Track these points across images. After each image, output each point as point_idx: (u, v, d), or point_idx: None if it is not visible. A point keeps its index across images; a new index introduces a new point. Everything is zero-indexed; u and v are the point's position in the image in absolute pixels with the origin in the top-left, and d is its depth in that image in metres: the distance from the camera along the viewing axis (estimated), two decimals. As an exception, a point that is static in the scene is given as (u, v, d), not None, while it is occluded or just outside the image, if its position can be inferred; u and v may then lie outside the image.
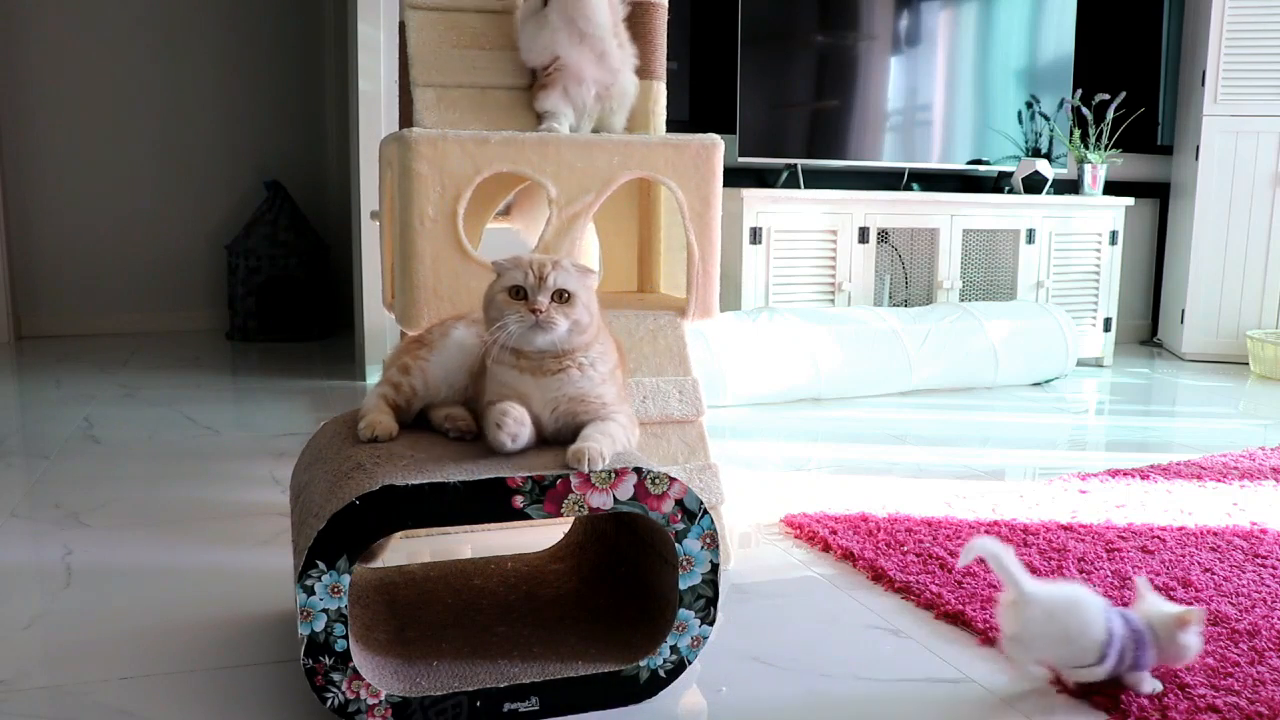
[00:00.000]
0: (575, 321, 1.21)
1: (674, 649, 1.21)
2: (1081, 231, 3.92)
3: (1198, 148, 4.06)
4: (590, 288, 1.25)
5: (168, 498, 2.04)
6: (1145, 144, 4.47)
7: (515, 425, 1.18)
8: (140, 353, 3.85)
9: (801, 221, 3.51)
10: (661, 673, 1.22)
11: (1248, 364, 3.99)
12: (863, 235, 3.59)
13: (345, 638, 1.09)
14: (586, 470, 1.13)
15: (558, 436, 1.24)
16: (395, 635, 1.30)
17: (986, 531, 1.85)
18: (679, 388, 1.68)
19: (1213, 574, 1.65)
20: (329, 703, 1.10)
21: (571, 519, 1.58)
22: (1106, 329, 3.99)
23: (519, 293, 1.21)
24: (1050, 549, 1.76)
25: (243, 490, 2.10)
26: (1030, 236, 3.83)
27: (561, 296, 1.20)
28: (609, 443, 1.18)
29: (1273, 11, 3.91)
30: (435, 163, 1.51)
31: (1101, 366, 3.98)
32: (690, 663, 1.23)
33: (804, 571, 1.70)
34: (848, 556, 1.74)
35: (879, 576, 1.65)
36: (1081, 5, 4.09)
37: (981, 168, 4.00)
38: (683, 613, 1.20)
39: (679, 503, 1.17)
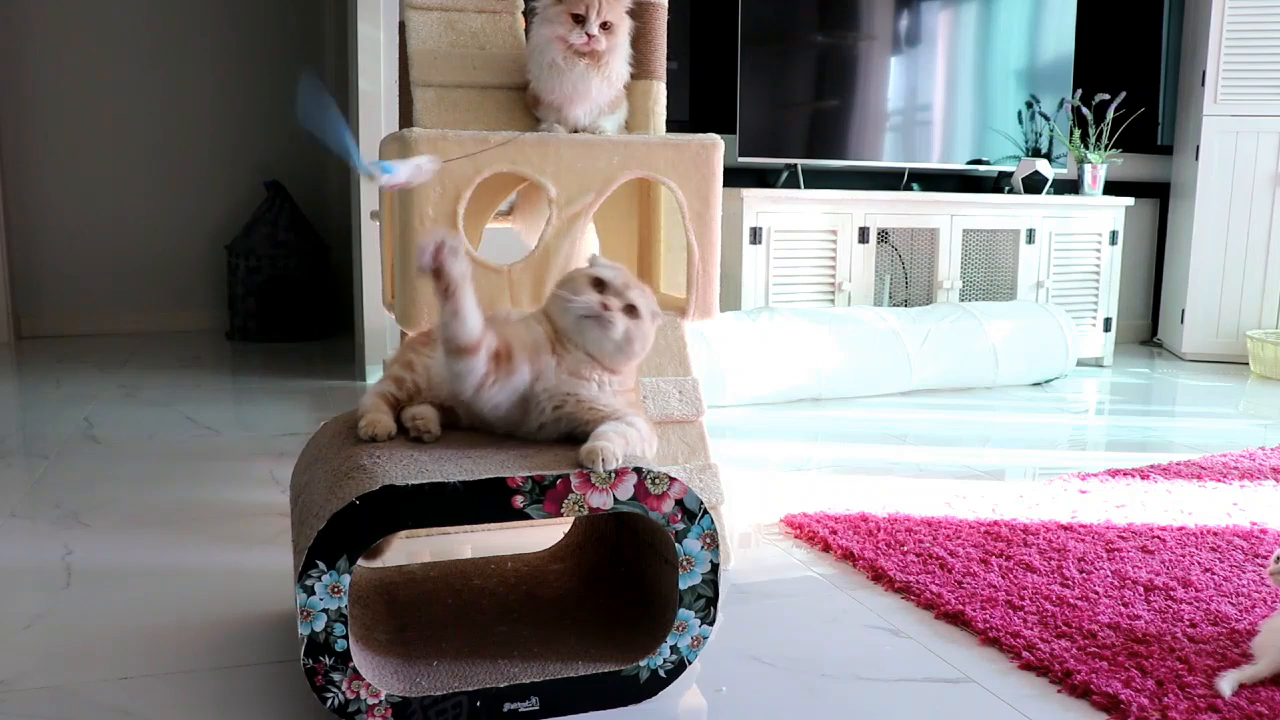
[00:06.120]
0: (628, 340, 1.24)
1: (674, 649, 1.21)
2: (1081, 231, 3.92)
3: (1198, 148, 4.06)
4: (655, 328, 1.29)
5: (168, 498, 2.04)
6: (1145, 144, 4.47)
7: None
8: (140, 353, 3.85)
9: (801, 221, 3.51)
10: (661, 673, 1.22)
11: (1248, 364, 3.99)
12: (863, 235, 3.59)
13: (345, 638, 1.09)
14: (601, 470, 1.14)
15: (544, 428, 1.25)
16: (395, 635, 1.30)
17: (986, 532, 1.85)
18: (679, 388, 1.68)
19: (1213, 574, 1.65)
20: (329, 703, 1.10)
21: (572, 519, 1.58)
22: (1106, 329, 3.99)
23: (601, 285, 1.26)
24: (1050, 549, 1.76)
25: (243, 490, 2.10)
26: (1030, 236, 3.83)
27: (631, 311, 1.25)
28: (622, 444, 1.18)
29: (1273, 11, 3.91)
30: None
31: (1101, 366, 3.98)
32: (690, 663, 1.23)
33: (804, 571, 1.70)
34: (848, 556, 1.74)
35: (879, 576, 1.65)
36: (1081, 5, 4.09)
37: (981, 168, 4.00)
38: (683, 613, 1.20)
39: (679, 503, 1.17)
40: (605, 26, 1.67)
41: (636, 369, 1.34)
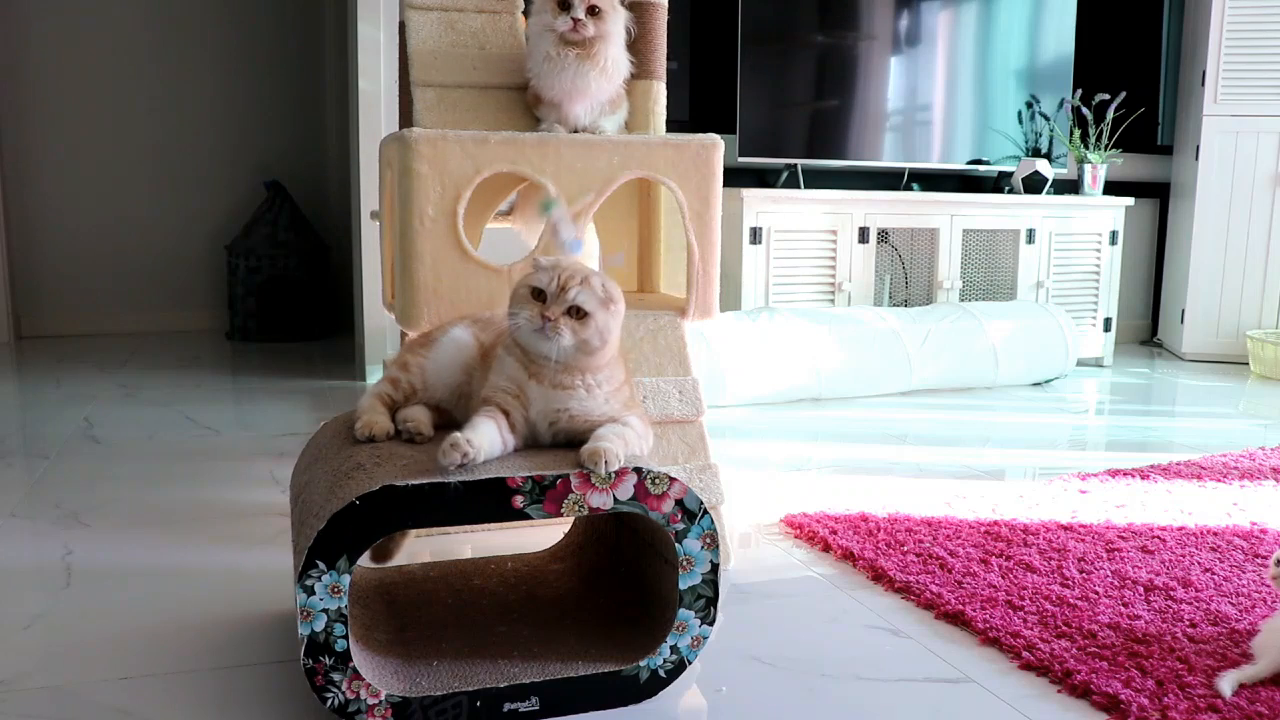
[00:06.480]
0: (583, 340, 1.20)
1: (674, 649, 1.21)
2: (1081, 231, 3.92)
3: (1198, 148, 4.06)
4: (613, 314, 1.23)
5: (168, 498, 2.04)
6: (1145, 144, 4.47)
7: (464, 453, 1.13)
8: (140, 353, 3.85)
9: (801, 221, 3.51)
10: (661, 673, 1.22)
11: (1248, 364, 3.99)
12: (863, 235, 3.59)
13: (345, 638, 1.09)
14: (603, 471, 1.13)
15: (555, 444, 1.25)
16: (395, 635, 1.30)
17: (986, 532, 1.85)
18: (679, 388, 1.68)
19: (1213, 574, 1.65)
20: (329, 703, 1.10)
21: (572, 519, 1.58)
22: (1106, 329, 3.99)
23: (540, 294, 1.21)
24: (1050, 549, 1.76)
25: (243, 490, 2.10)
26: (1030, 236, 3.83)
27: (576, 313, 1.19)
28: (622, 445, 1.18)
29: (1273, 11, 3.91)
30: (435, 163, 1.51)
31: (1101, 366, 3.98)
32: (690, 663, 1.23)
33: (804, 571, 1.70)
34: (848, 556, 1.74)
35: (879, 576, 1.65)
36: (1081, 5, 4.09)
37: (981, 168, 4.00)
38: (683, 613, 1.20)
39: (679, 503, 1.17)
40: (594, 12, 1.67)
41: (625, 362, 1.33)
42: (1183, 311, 4.17)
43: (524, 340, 1.22)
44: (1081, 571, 1.66)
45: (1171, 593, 1.57)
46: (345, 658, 1.09)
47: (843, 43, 3.75)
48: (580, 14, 1.66)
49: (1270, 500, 2.10)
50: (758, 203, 3.43)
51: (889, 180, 4.00)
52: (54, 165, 4.24)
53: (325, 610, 1.08)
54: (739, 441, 2.65)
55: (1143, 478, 2.26)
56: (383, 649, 1.25)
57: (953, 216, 3.72)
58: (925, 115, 3.91)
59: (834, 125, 3.78)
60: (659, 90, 1.89)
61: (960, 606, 1.50)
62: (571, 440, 1.23)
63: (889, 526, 1.87)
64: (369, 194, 3.26)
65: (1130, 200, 4.01)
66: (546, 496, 1.13)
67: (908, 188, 3.98)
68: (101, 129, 4.29)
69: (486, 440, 1.15)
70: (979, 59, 3.95)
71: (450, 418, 1.32)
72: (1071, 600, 1.53)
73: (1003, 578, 1.62)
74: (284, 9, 4.52)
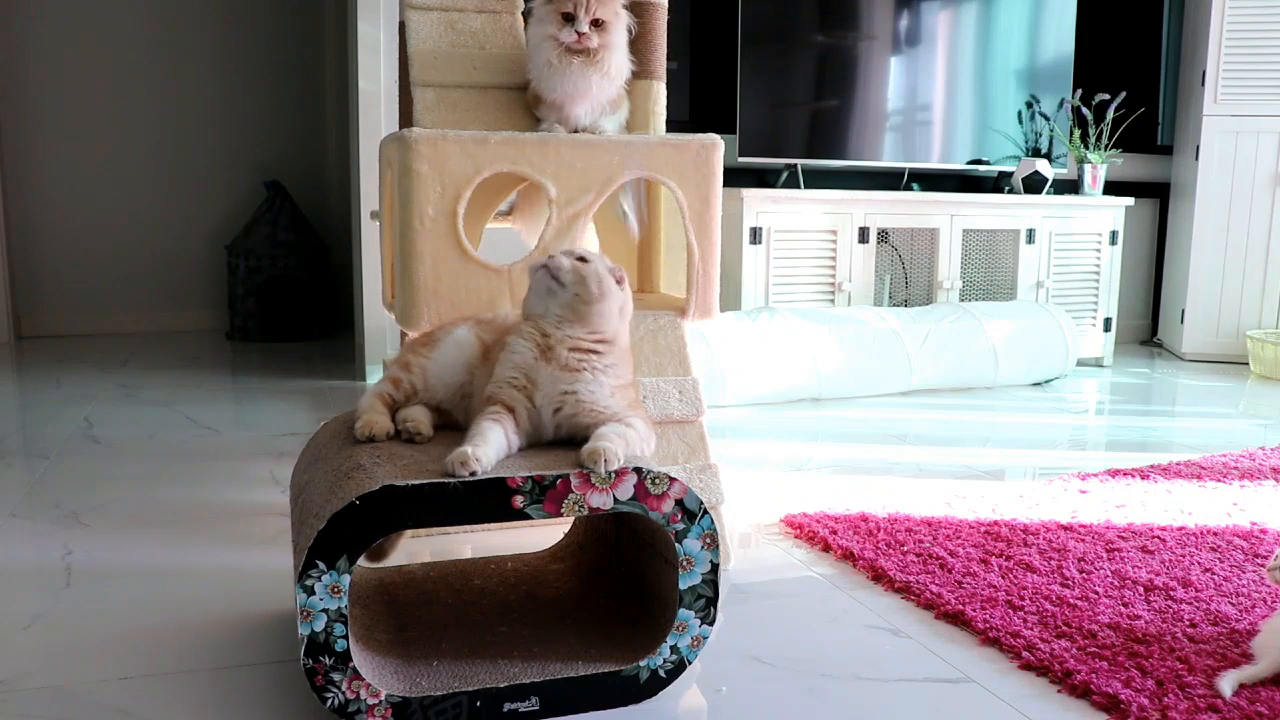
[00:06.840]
0: (582, 277, 1.26)
1: (674, 649, 1.21)
2: (1081, 231, 3.92)
3: (1198, 148, 4.06)
4: (609, 277, 1.29)
5: (168, 498, 2.04)
6: (1145, 144, 4.47)
7: (471, 470, 1.13)
8: (140, 353, 3.85)
9: (801, 221, 3.51)
10: (661, 673, 1.22)
11: (1248, 364, 3.99)
12: (863, 235, 3.59)
13: (345, 638, 1.09)
14: (602, 470, 1.13)
15: (556, 437, 1.25)
16: (395, 635, 1.30)
17: (986, 532, 1.85)
18: (679, 388, 1.68)
19: (1213, 574, 1.65)
20: (329, 703, 1.10)
21: (572, 519, 1.58)
22: (1106, 329, 3.99)
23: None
24: (1050, 549, 1.76)
25: (243, 490, 2.10)
26: (1030, 236, 3.83)
27: (582, 261, 1.28)
28: (623, 445, 1.18)
29: (1273, 11, 3.91)
30: (435, 163, 1.51)
31: (1101, 366, 3.98)
32: (690, 663, 1.23)
33: (804, 571, 1.70)
34: (848, 556, 1.74)
35: (879, 576, 1.65)
36: (1081, 5, 4.09)
37: (981, 168, 4.00)
38: (683, 613, 1.20)
39: (679, 503, 1.17)
40: (598, 24, 1.68)
41: (632, 360, 1.33)
42: (1183, 311, 4.17)
43: (534, 297, 1.29)
44: (1081, 571, 1.66)
45: (1171, 593, 1.57)
46: (345, 658, 1.09)
47: (843, 43, 3.75)
48: (585, 27, 1.66)
49: (1270, 500, 2.10)
50: (758, 203, 3.43)
51: (889, 180, 4.00)
52: (54, 165, 4.24)
53: (325, 610, 1.08)
54: (739, 441, 2.65)
55: (1143, 478, 2.26)
56: (383, 649, 1.25)
57: (953, 216, 3.72)
58: (925, 115, 3.91)
59: (834, 125, 3.78)
60: (659, 90, 1.89)
61: (960, 606, 1.50)
62: (574, 435, 1.23)
63: (889, 526, 1.87)
64: (369, 194, 3.26)
65: (1130, 200, 4.01)
66: (546, 496, 1.13)
67: (908, 188, 3.98)
68: (101, 129, 4.29)
69: (494, 450, 1.16)
70: (979, 59, 3.95)
71: (451, 418, 1.32)
72: (1071, 600, 1.53)
73: (1003, 578, 1.62)
74: (284, 9, 4.52)
